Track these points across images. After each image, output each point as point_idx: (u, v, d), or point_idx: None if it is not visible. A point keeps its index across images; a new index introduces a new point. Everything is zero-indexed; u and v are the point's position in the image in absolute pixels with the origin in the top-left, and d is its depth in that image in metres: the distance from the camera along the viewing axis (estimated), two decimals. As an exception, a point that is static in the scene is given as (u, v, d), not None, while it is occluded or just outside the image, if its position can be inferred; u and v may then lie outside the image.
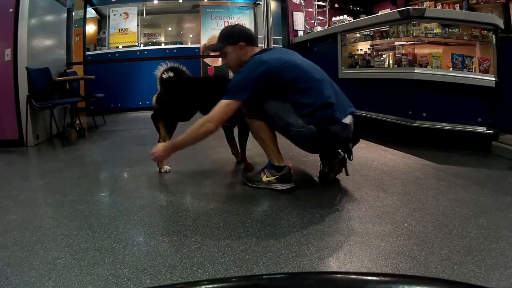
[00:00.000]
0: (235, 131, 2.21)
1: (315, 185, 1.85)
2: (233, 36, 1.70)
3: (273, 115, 1.64)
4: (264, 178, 1.74)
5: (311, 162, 2.15)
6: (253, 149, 1.83)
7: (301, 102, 1.60)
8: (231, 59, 1.73)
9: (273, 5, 4.91)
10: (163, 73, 2.12)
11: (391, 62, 3.11)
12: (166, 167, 2.12)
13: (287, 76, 1.60)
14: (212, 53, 6.04)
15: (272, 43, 3.87)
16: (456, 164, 2.15)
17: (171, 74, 2.12)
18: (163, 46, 6.53)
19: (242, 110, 1.66)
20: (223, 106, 1.55)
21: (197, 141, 1.61)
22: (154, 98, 2.14)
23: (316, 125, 1.60)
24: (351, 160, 1.79)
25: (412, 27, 2.65)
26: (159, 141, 2.23)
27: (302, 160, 2.25)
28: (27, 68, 3.06)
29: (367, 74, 3.15)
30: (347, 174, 1.80)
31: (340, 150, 1.81)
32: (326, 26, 4.60)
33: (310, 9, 4.81)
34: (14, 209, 1.60)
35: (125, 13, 6.06)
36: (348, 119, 1.66)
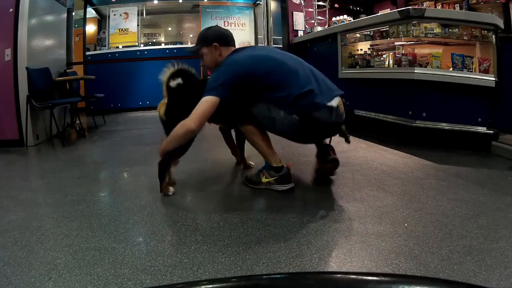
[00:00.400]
0: (233, 133, 2.21)
1: (315, 185, 1.85)
2: (207, 37, 1.73)
3: (258, 115, 1.67)
4: (264, 179, 1.75)
5: (311, 162, 2.15)
6: (252, 149, 1.82)
7: (278, 96, 1.61)
8: (208, 60, 1.75)
9: (273, 5, 4.91)
10: (170, 79, 1.80)
11: (391, 62, 3.11)
12: (171, 189, 1.75)
13: (259, 71, 1.61)
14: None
15: (272, 43, 3.87)
16: (456, 164, 2.15)
17: (179, 80, 1.81)
18: (163, 46, 6.53)
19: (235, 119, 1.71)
20: (201, 103, 1.55)
21: (180, 142, 1.58)
22: (161, 109, 1.78)
23: (298, 114, 1.60)
24: (349, 143, 1.85)
25: (412, 27, 2.65)
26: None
27: (302, 160, 2.25)
28: (27, 68, 3.06)
29: (367, 74, 3.15)
30: (347, 141, 1.87)
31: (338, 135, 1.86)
32: (326, 26, 4.60)
33: (310, 9, 4.81)
34: (14, 209, 1.60)
35: (125, 13, 6.06)
36: (335, 102, 1.62)
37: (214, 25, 1.85)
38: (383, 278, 0.31)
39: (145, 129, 3.93)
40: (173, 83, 1.80)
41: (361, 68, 3.29)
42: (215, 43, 1.70)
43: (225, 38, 1.75)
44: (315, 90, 1.60)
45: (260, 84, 1.62)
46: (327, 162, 1.87)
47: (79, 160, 2.66)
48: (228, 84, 1.57)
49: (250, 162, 2.17)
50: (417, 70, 2.60)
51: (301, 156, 2.31)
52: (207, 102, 1.54)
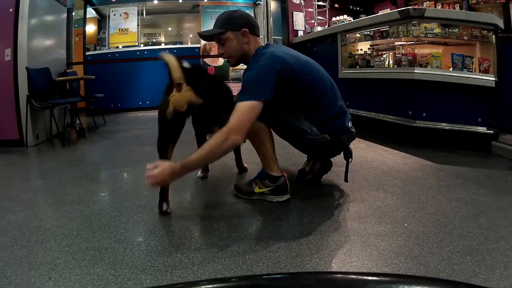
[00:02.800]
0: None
1: (315, 186, 1.84)
2: (235, 21, 1.46)
3: (283, 120, 1.52)
4: (257, 189, 1.59)
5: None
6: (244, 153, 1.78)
7: (313, 110, 1.52)
8: (232, 48, 1.48)
9: (273, 5, 4.90)
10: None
11: (391, 62, 3.11)
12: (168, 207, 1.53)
13: (302, 79, 1.46)
14: (204, 44, 6.02)
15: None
16: (456, 164, 2.15)
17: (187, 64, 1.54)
18: (163, 46, 6.53)
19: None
20: (246, 110, 1.29)
21: (218, 158, 1.31)
22: (177, 101, 1.42)
23: (330, 134, 1.55)
24: (351, 161, 1.70)
25: (412, 27, 2.65)
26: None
27: (302, 161, 2.24)
28: (27, 68, 3.06)
29: (367, 74, 3.15)
30: (346, 180, 1.72)
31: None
32: (326, 26, 4.60)
33: (310, 9, 4.81)
34: (14, 209, 1.60)
35: (125, 13, 6.06)
36: (350, 124, 1.65)
37: (237, 9, 1.58)
38: (383, 278, 0.31)
39: (145, 129, 3.93)
40: (186, 65, 1.49)
41: (361, 68, 3.29)
42: (244, 29, 1.46)
43: (254, 25, 1.52)
44: (344, 109, 1.59)
45: (299, 90, 1.47)
46: (319, 166, 1.82)
47: (79, 160, 2.66)
48: (273, 85, 1.35)
49: (245, 165, 2.11)
50: (417, 70, 2.59)
51: (301, 155, 2.31)
52: (253, 108, 1.29)
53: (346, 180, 1.71)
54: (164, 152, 1.48)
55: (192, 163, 1.27)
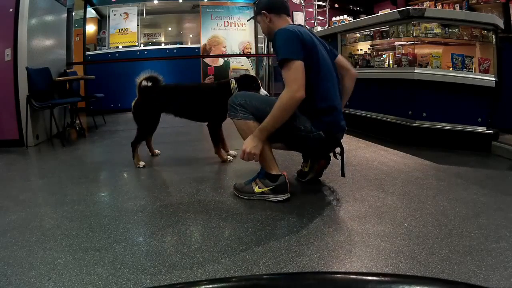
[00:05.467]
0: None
1: (315, 186, 1.85)
2: (258, 5, 1.75)
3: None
4: (257, 189, 1.62)
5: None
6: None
7: (313, 92, 1.53)
8: (262, 28, 1.76)
9: (273, 5, 4.90)
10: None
11: (391, 62, 3.11)
12: (142, 163, 2.26)
13: (315, 57, 1.55)
14: (204, 44, 6.04)
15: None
16: (456, 164, 2.15)
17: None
18: (163, 46, 6.53)
19: (243, 113, 1.57)
20: (294, 69, 1.43)
21: (287, 116, 1.46)
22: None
23: (325, 132, 1.57)
24: (338, 159, 1.74)
25: (412, 27, 2.65)
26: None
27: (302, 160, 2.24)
28: (27, 68, 3.06)
29: (367, 74, 3.15)
30: (343, 175, 1.75)
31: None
32: (326, 26, 4.60)
33: (310, 9, 4.81)
34: (14, 209, 1.60)
35: (125, 13, 6.06)
36: (344, 122, 1.68)
37: None
38: (383, 278, 0.31)
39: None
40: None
41: (361, 68, 3.29)
42: (263, 11, 1.69)
43: (274, 6, 1.69)
44: (339, 109, 1.64)
45: (311, 69, 1.51)
46: (317, 165, 1.84)
47: (79, 160, 2.66)
48: (300, 47, 1.48)
49: (229, 156, 2.36)
50: (417, 70, 2.60)
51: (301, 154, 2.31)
52: (297, 66, 1.43)
53: (343, 175, 1.74)
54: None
55: (267, 124, 1.47)
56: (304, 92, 1.43)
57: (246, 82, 2.18)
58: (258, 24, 1.83)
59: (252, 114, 1.58)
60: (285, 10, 1.71)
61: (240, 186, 1.70)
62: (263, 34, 3.90)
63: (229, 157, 2.35)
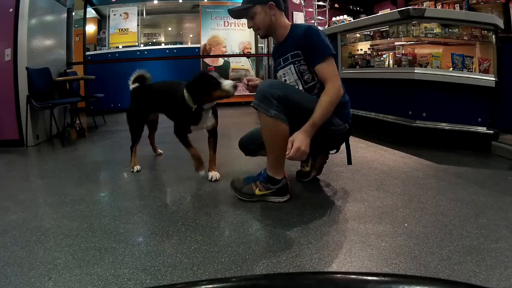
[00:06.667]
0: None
1: (315, 186, 1.85)
2: None
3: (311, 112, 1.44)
4: (257, 192, 1.57)
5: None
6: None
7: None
8: (260, 21, 1.58)
9: (273, 5, 4.90)
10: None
11: (391, 62, 3.11)
12: (137, 167, 2.19)
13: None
14: (204, 44, 6.04)
15: (272, 43, 3.87)
16: (456, 164, 2.15)
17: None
18: (163, 46, 6.53)
19: (272, 111, 1.40)
20: (332, 65, 1.50)
21: (333, 110, 1.48)
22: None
23: (348, 123, 1.62)
24: (332, 153, 1.79)
25: (412, 27, 2.65)
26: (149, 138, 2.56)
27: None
28: (27, 68, 3.06)
29: (367, 74, 3.15)
30: (349, 163, 1.75)
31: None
32: (326, 26, 4.60)
33: (310, 9, 4.82)
34: (14, 209, 1.60)
35: (125, 13, 6.06)
36: None
37: None
38: (383, 278, 0.31)
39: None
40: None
41: (361, 68, 3.29)
42: (271, 2, 1.56)
43: (280, 0, 1.62)
44: (348, 101, 1.67)
45: None
46: (317, 163, 1.84)
47: (79, 160, 2.66)
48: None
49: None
50: (417, 70, 2.60)
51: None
52: (334, 62, 1.51)
53: (350, 163, 1.74)
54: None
55: (318, 120, 1.41)
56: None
57: (201, 85, 1.76)
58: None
59: (287, 113, 1.42)
60: (284, 10, 1.67)
61: (239, 185, 1.63)
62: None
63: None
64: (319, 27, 4.58)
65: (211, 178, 1.93)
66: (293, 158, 1.38)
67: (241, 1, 1.63)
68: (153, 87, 2.26)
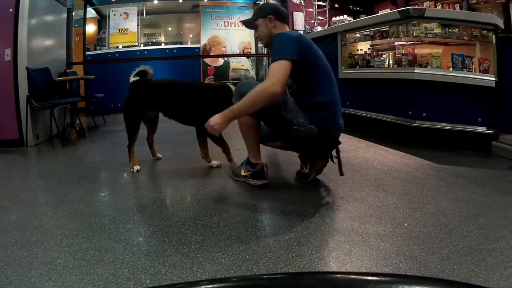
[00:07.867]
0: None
1: (315, 186, 1.85)
2: (264, 9, 1.78)
3: (272, 109, 1.60)
4: (242, 173, 1.84)
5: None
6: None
7: (309, 89, 1.63)
8: (262, 32, 1.77)
9: (273, 5, 4.90)
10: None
11: (391, 62, 3.11)
12: (136, 167, 2.17)
13: (312, 59, 1.62)
14: (204, 44, 6.04)
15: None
16: (456, 164, 2.15)
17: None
18: (163, 46, 6.53)
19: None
20: (278, 67, 1.50)
21: (258, 106, 1.50)
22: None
23: (318, 126, 1.61)
24: (334, 162, 1.78)
25: (412, 27, 2.65)
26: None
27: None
28: (27, 68, 3.06)
29: (367, 74, 3.15)
30: (341, 174, 1.78)
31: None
32: (326, 26, 4.60)
33: (310, 9, 4.81)
34: (14, 209, 1.60)
35: (125, 13, 6.06)
36: (342, 122, 1.71)
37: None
38: (383, 278, 0.31)
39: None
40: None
41: (361, 68, 3.29)
42: (270, 15, 1.72)
43: (281, 13, 1.76)
44: (338, 107, 1.68)
45: (308, 68, 1.61)
46: (317, 164, 1.85)
47: (79, 160, 2.66)
48: (295, 48, 1.55)
49: (214, 161, 2.23)
50: (417, 70, 2.60)
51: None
52: (284, 65, 1.50)
53: (341, 174, 1.77)
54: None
55: (236, 108, 1.52)
56: (281, 88, 1.48)
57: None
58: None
59: None
60: (288, 21, 1.81)
61: (234, 168, 1.95)
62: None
63: (214, 162, 2.24)
64: (319, 27, 4.58)
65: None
66: (208, 132, 1.58)
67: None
68: (168, 85, 2.22)
